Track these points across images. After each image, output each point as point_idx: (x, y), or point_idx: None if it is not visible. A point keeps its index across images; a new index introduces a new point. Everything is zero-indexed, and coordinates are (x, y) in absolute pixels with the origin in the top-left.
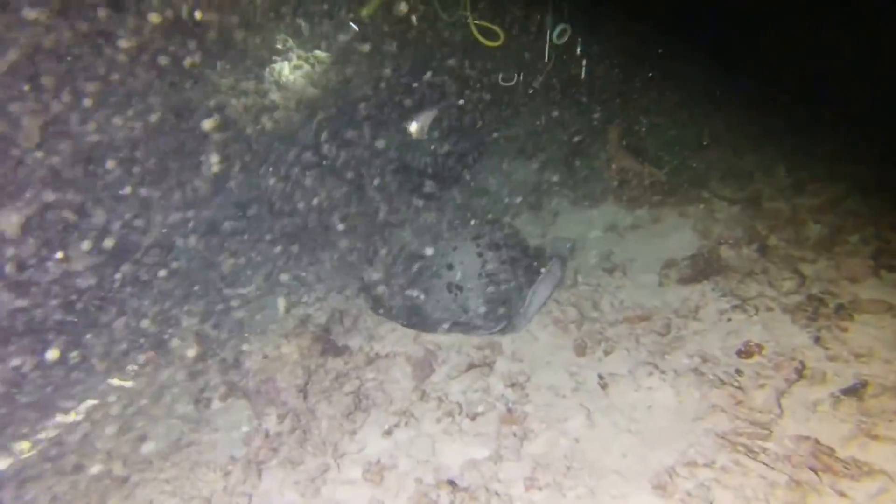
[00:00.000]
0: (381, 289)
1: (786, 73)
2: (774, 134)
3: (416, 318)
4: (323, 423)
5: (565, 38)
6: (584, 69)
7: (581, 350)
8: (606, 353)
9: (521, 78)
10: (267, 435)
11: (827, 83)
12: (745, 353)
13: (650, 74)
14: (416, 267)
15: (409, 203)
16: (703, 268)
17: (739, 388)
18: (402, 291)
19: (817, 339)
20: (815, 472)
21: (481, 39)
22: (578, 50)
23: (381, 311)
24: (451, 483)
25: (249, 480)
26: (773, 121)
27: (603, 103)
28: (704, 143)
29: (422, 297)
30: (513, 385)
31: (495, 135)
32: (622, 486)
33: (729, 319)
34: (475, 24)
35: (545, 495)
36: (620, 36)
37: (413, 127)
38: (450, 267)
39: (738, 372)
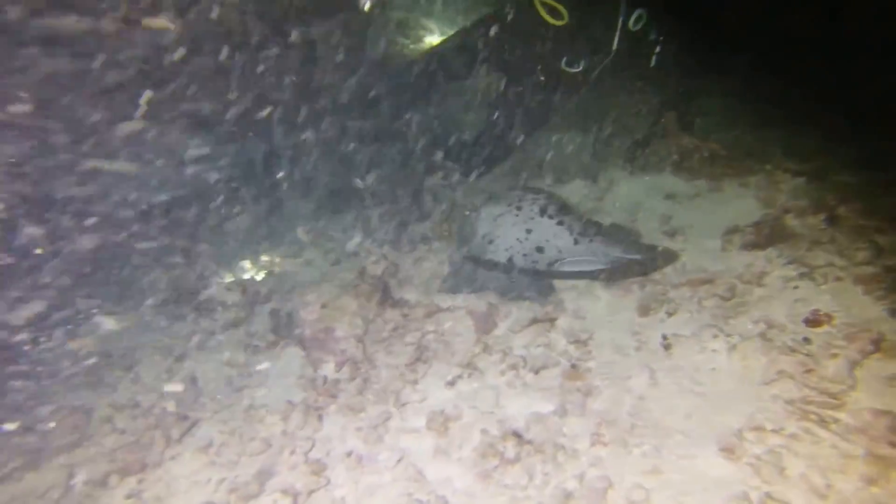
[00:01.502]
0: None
1: (851, 53)
2: (838, 113)
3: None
4: (383, 372)
5: (640, 24)
6: (654, 56)
7: (644, 310)
8: (669, 314)
9: (587, 62)
10: (325, 382)
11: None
12: (813, 321)
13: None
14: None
15: (463, 167)
16: (767, 235)
17: (809, 356)
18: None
19: (893, 312)
20: None
21: (546, 17)
22: (650, 36)
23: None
24: (517, 435)
25: (310, 425)
26: (836, 101)
27: (664, 85)
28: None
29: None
30: (576, 342)
31: (552, 112)
32: (688, 446)
33: (795, 287)
34: (541, 2)
35: (611, 451)
36: (683, 20)
37: None
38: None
39: (807, 340)
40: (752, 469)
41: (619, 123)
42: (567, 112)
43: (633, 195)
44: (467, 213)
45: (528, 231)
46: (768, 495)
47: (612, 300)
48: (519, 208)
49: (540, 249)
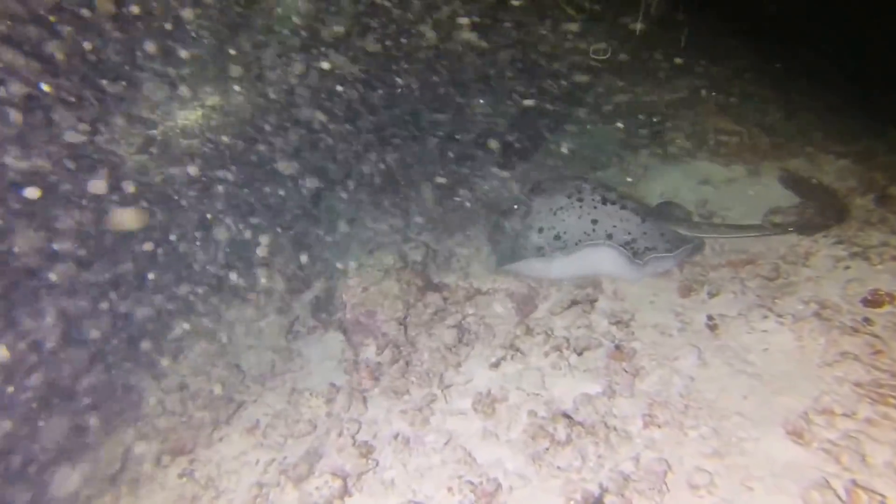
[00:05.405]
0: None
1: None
2: (882, 97)
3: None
4: (425, 354)
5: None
6: (683, 37)
7: (686, 291)
8: (711, 295)
9: (613, 48)
10: (367, 365)
11: None
12: (873, 301)
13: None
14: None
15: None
16: (812, 216)
17: (875, 337)
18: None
19: None
20: None
21: (568, 10)
22: (676, 17)
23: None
24: (567, 417)
25: (354, 407)
26: (880, 85)
27: (696, 69)
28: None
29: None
30: (618, 323)
31: (580, 98)
32: (750, 428)
33: (847, 267)
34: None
35: (665, 433)
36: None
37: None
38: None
39: (867, 321)
40: (828, 455)
41: (649, 104)
42: (595, 97)
43: (666, 181)
44: (515, 207)
45: (595, 221)
46: (854, 483)
47: (651, 281)
48: (580, 200)
49: (610, 236)
